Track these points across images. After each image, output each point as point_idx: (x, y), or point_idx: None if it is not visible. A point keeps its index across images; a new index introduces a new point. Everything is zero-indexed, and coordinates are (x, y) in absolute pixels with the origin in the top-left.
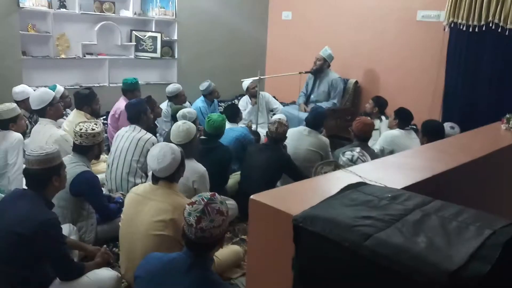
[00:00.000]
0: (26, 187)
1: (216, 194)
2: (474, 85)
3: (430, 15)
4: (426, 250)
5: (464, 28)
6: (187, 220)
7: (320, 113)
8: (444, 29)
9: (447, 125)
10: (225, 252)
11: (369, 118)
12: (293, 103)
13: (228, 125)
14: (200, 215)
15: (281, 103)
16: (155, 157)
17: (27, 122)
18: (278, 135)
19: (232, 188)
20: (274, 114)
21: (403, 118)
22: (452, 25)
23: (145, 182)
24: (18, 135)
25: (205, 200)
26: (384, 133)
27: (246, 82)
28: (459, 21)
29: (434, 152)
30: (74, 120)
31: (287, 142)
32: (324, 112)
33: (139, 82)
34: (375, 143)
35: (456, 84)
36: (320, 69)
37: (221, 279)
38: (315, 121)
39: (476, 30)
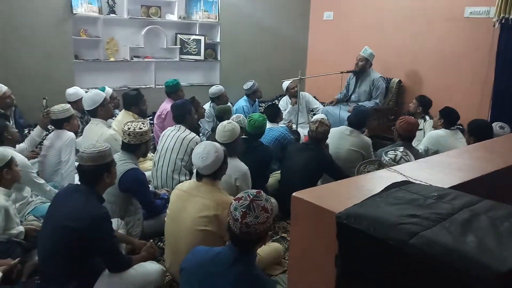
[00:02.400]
0: (79, 183)
1: (262, 191)
2: None
3: (479, 11)
4: (476, 251)
5: None
6: (233, 215)
7: (363, 112)
8: (494, 26)
9: (496, 125)
10: (266, 249)
11: (413, 117)
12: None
13: (268, 125)
14: (246, 210)
15: (322, 103)
16: (199, 155)
17: (79, 122)
18: (319, 135)
19: (272, 187)
20: (314, 114)
21: (448, 118)
22: (503, 21)
23: (189, 179)
24: (71, 134)
25: (251, 197)
26: (429, 132)
27: (286, 83)
28: (511, 16)
29: (482, 151)
30: (123, 120)
31: (328, 141)
32: (367, 111)
33: (184, 84)
34: (419, 143)
35: (507, 84)
36: (363, 69)
37: (265, 274)
38: (358, 121)
39: None
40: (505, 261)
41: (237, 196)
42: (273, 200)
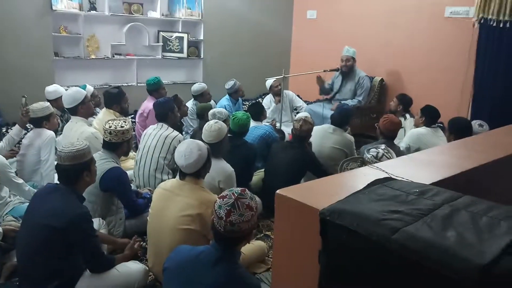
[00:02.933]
0: (58, 182)
1: (247, 190)
2: (504, 83)
3: (459, 11)
4: (456, 245)
5: (495, 24)
6: (217, 213)
7: (346, 110)
8: (474, 26)
9: (475, 123)
10: (250, 247)
11: (396, 117)
12: (318, 101)
13: (252, 123)
14: (230, 208)
15: (305, 101)
16: (182, 154)
17: (59, 120)
18: (302, 133)
19: (256, 185)
20: (298, 112)
21: (429, 116)
22: (482, 21)
23: (172, 178)
24: (51, 133)
25: (236, 195)
26: (411, 130)
27: (270, 81)
28: (490, 16)
29: (461, 149)
30: (104, 118)
31: (311, 139)
32: (350, 110)
33: (166, 82)
34: (400, 141)
35: (486, 82)
36: (352, 69)
37: (248, 273)
38: (341, 119)
39: (508, 26)
40: (484, 254)
41: (221, 194)
42: (257, 198)
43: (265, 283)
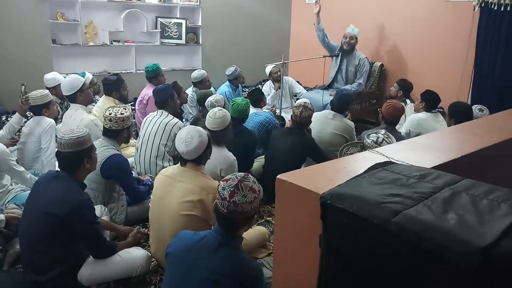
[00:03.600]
0: (59, 170)
1: (249, 174)
2: (505, 68)
3: None
4: (457, 227)
5: (495, 8)
6: (221, 194)
7: (345, 96)
8: (474, 9)
9: (475, 108)
10: (251, 233)
11: (400, 103)
12: (317, 87)
13: (252, 110)
14: (234, 189)
15: (305, 87)
16: (183, 140)
17: (58, 108)
18: (302, 119)
19: (256, 171)
20: (298, 98)
21: (429, 101)
22: (483, 4)
23: (172, 165)
24: (51, 120)
25: (239, 178)
26: (411, 116)
27: (269, 67)
28: (490, 0)
29: (461, 133)
30: (103, 106)
31: (311, 125)
32: (349, 95)
33: (165, 68)
34: (401, 126)
35: (487, 67)
36: (353, 48)
37: (250, 258)
38: (340, 105)
39: (509, 9)
40: (484, 236)
41: (225, 178)
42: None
43: (267, 268)
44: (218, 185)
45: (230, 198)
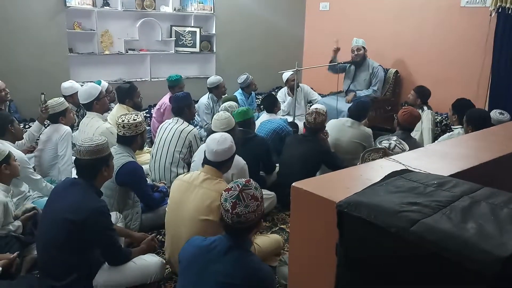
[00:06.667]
0: (76, 177)
1: (251, 180)
2: None
3: (475, 0)
4: (476, 237)
5: None
6: (224, 206)
7: (363, 103)
8: (491, 15)
9: (496, 112)
10: (266, 240)
11: (417, 110)
12: (331, 94)
13: (266, 116)
14: (235, 200)
15: (319, 94)
16: (216, 139)
17: (75, 115)
18: (316, 125)
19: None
20: (311, 105)
21: (462, 113)
22: (500, 10)
23: (187, 172)
24: (67, 128)
25: (240, 186)
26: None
27: (286, 74)
28: (508, 5)
29: (479, 141)
30: (117, 113)
31: (329, 132)
32: (367, 102)
33: None
34: (417, 133)
35: (504, 73)
36: (363, 58)
37: (260, 260)
38: (358, 112)
39: None
40: (505, 246)
41: (227, 187)
42: (271, 192)
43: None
44: (221, 195)
45: (233, 210)
